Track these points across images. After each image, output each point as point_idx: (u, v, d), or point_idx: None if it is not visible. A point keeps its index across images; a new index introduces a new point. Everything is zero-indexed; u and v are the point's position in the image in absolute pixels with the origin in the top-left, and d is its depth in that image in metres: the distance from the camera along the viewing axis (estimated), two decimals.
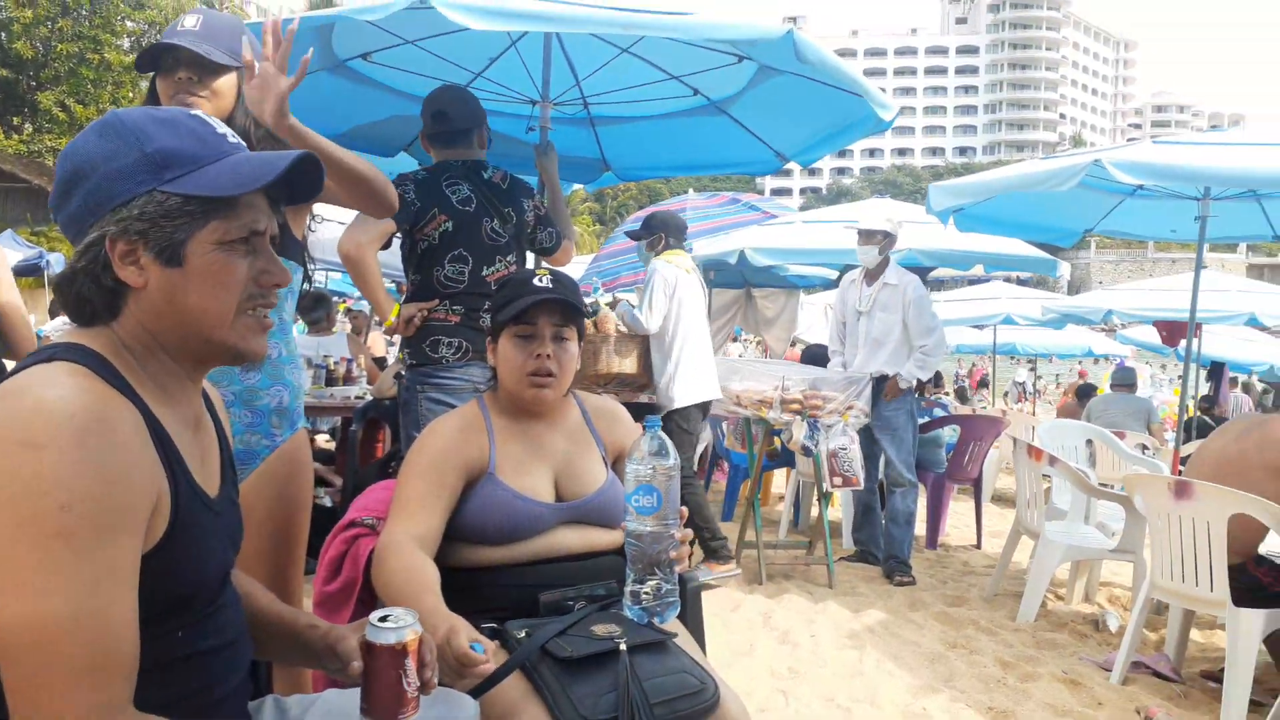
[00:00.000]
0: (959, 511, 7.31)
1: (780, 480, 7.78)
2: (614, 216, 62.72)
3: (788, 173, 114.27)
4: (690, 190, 9.75)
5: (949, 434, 6.54)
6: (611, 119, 4.54)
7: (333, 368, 5.70)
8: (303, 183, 1.28)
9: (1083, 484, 4.57)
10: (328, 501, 5.08)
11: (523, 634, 1.81)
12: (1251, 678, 3.30)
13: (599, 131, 4.63)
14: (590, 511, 2.03)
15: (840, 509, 6.19)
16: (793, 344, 10.55)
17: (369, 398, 5.04)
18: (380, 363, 7.21)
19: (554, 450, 2.07)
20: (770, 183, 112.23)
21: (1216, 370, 12.06)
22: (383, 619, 1.33)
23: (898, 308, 5.19)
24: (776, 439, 5.56)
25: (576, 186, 5.45)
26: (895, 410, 5.23)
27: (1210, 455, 3.73)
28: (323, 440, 7.33)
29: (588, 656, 1.73)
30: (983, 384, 23.98)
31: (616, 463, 2.14)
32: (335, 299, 10.38)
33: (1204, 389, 12.27)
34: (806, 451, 4.96)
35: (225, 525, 1.31)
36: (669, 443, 1.85)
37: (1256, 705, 3.36)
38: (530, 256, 3.52)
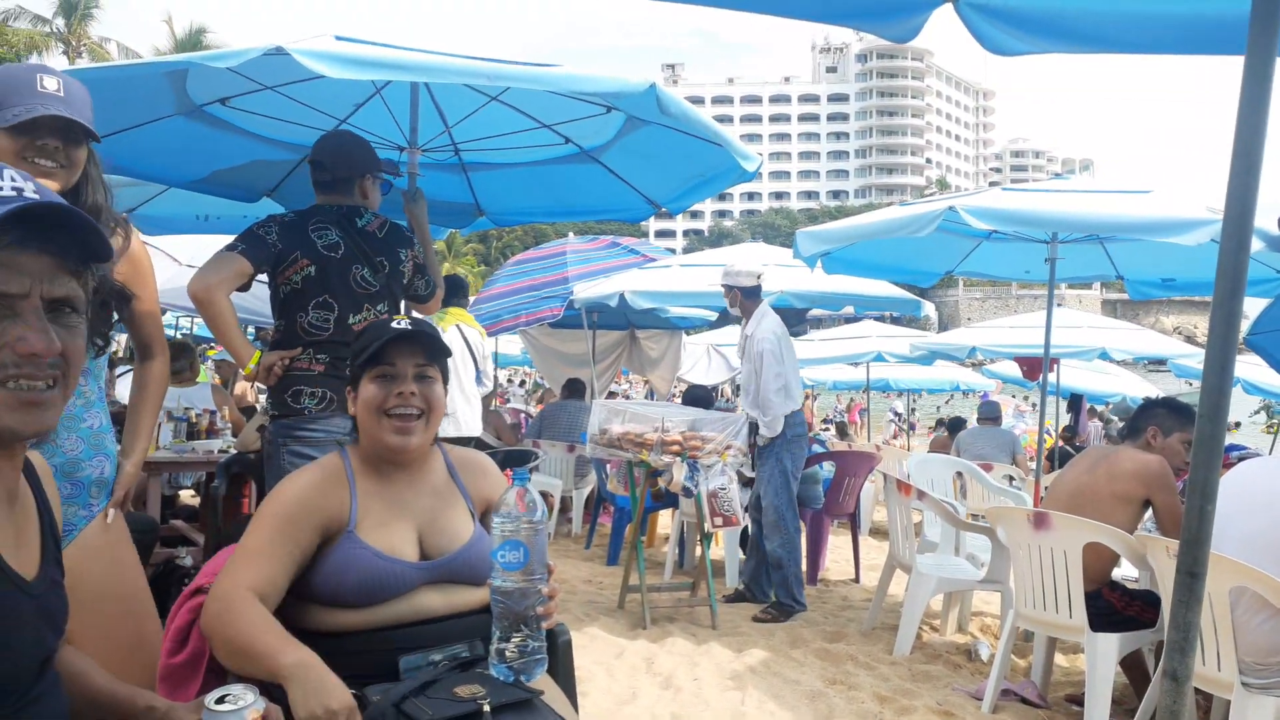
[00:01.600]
0: (838, 545, 7.46)
1: (667, 521, 7.80)
2: (498, 257, 62.53)
3: (670, 215, 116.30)
4: (571, 234, 9.81)
5: (826, 470, 6.69)
6: (484, 165, 4.53)
7: (194, 420, 5.45)
8: (88, 242, 1.16)
9: (950, 517, 4.73)
10: (188, 561, 4.83)
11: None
12: (1109, 699, 3.45)
13: (471, 177, 4.61)
14: (457, 569, 1.96)
15: (724, 548, 6.23)
16: (676, 384, 10.67)
17: (233, 451, 4.83)
18: (249, 413, 6.94)
19: (418, 505, 1.99)
20: (654, 224, 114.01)
21: (1075, 402, 12.72)
22: (220, 699, 1.26)
23: (753, 357, 5.30)
24: (659, 480, 5.57)
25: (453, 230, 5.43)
26: (764, 458, 5.31)
27: (1065, 486, 3.92)
28: (187, 495, 7.00)
29: (449, 719, 1.67)
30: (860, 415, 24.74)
31: (484, 516, 2.09)
32: (201, 346, 9.97)
33: (1065, 420, 12.93)
34: (687, 492, 4.99)
35: (43, 608, 1.22)
36: (537, 495, 1.83)
37: None
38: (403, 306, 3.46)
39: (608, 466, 6.88)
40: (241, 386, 8.05)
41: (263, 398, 7.76)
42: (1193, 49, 2.38)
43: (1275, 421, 14.09)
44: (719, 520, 4.87)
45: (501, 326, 8.19)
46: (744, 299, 5.43)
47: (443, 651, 1.89)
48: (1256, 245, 4.22)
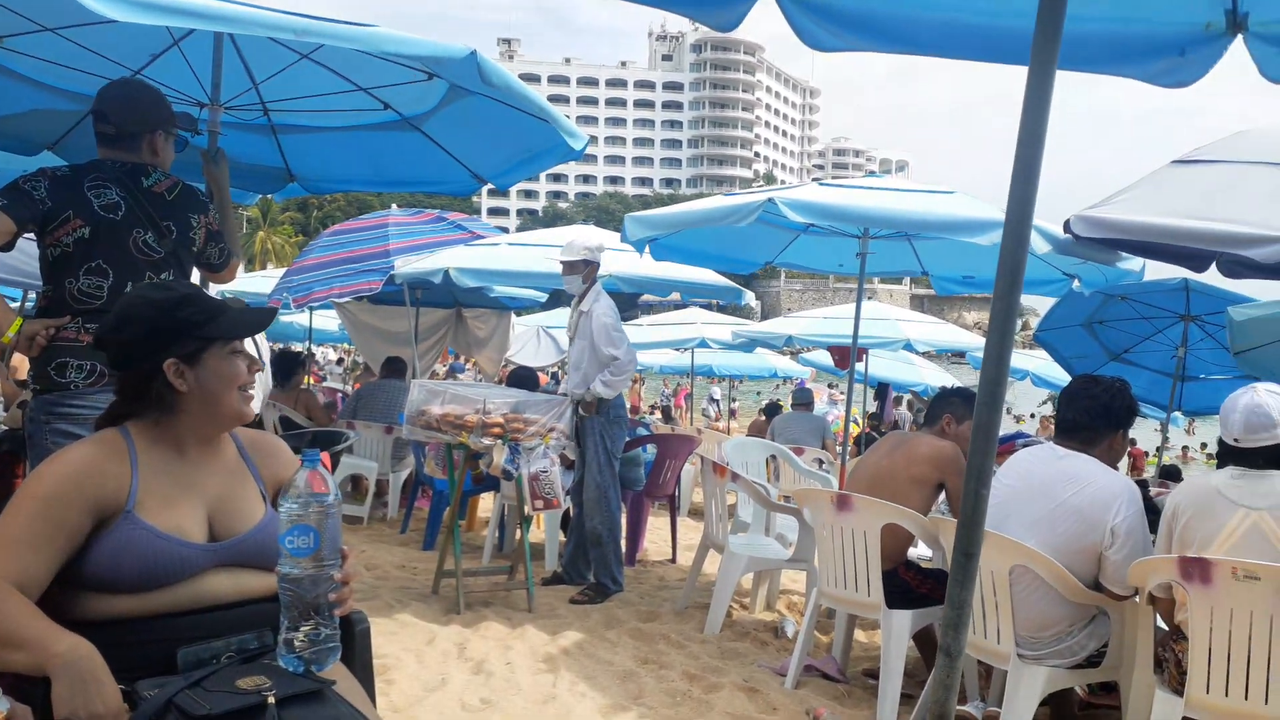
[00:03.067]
0: (657, 526, 7.58)
1: (487, 505, 7.69)
2: (318, 227, 59.83)
3: (504, 193, 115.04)
4: (394, 205, 9.47)
5: (648, 453, 6.78)
6: (295, 127, 4.28)
7: None
8: None
9: (760, 498, 4.88)
10: None
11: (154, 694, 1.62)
12: (902, 673, 3.65)
13: (281, 139, 4.34)
14: (246, 551, 1.85)
15: (544, 531, 6.20)
16: (504, 365, 10.53)
17: (3, 428, 4.39)
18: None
19: (209, 485, 1.87)
20: (487, 202, 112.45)
21: (882, 390, 13.45)
22: None
23: (588, 333, 5.29)
24: (479, 463, 5.48)
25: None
26: (586, 438, 5.31)
27: (866, 470, 4.11)
28: None
29: (229, 713, 1.57)
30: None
31: (276, 499, 1.98)
32: None
33: (872, 408, 13.65)
34: (508, 475, 4.92)
35: None
36: (329, 478, 1.74)
37: (907, 698, 3.71)
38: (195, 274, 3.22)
39: (426, 448, 6.71)
40: (18, 357, 7.35)
41: None
42: (989, 57, 2.52)
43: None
44: (540, 503, 4.83)
45: (314, 298, 7.80)
46: (589, 270, 5.40)
47: (226, 641, 1.78)
48: (1044, 247, 4.55)
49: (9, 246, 2.73)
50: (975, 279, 6.97)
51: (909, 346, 10.67)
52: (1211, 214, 3.47)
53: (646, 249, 6.02)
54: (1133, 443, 5.88)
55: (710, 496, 5.10)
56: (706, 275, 7.74)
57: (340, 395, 11.44)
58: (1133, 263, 5.03)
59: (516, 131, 3.95)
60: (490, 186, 4.69)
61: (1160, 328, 7.02)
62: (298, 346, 13.13)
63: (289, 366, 8.11)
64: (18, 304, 6.73)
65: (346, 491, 7.81)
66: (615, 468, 5.39)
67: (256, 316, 1.99)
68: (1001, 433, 6.46)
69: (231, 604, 1.82)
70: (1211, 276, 3.72)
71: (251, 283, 11.25)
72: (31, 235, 2.83)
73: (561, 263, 5.43)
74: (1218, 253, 3.41)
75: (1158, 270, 4.91)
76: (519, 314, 11.14)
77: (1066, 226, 3.97)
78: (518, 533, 5.31)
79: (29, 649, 1.55)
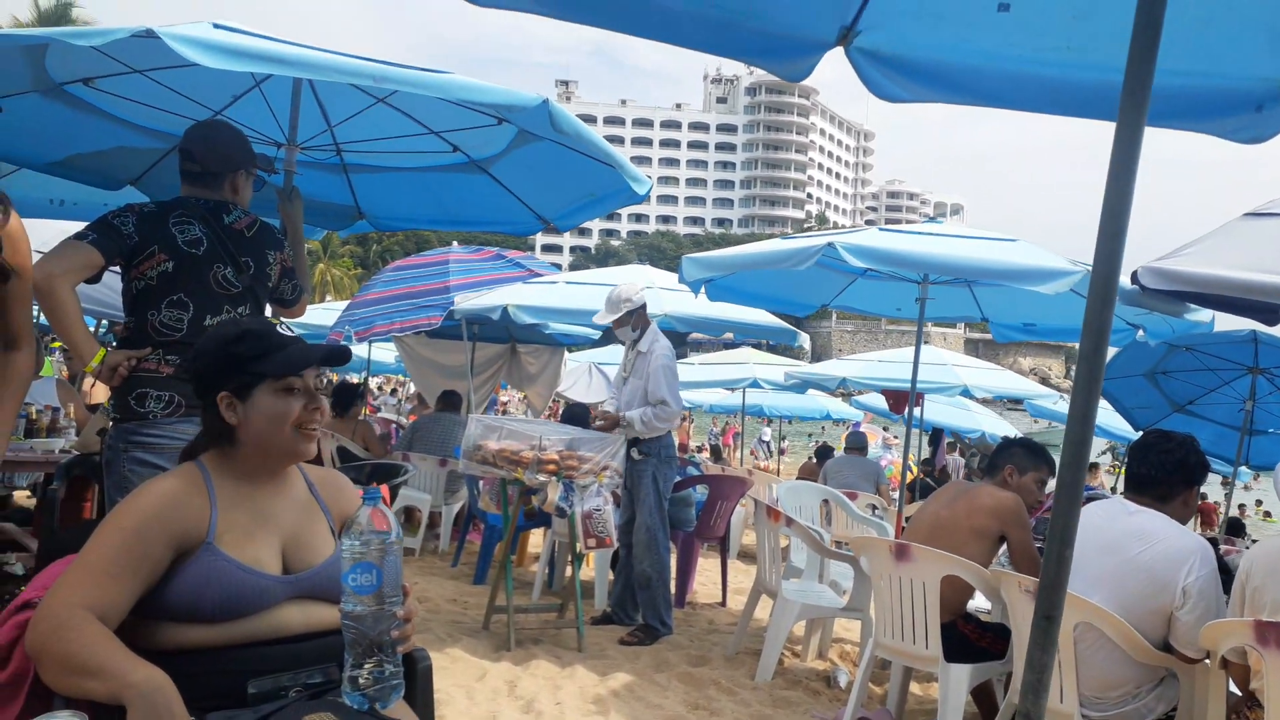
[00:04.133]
0: (707, 568, 7.53)
1: (537, 540, 7.70)
2: (377, 261, 60.94)
3: (558, 231, 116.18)
4: (455, 243, 9.64)
5: (699, 493, 6.75)
6: (366, 167, 4.40)
7: (34, 417, 5.08)
8: None
9: (815, 544, 4.83)
10: (19, 568, 4.49)
11: None
12: None
13: (353, 179, 4.46)
14: (321, 584, 1.88)
15: (594, 569, 6.19)
16: (554, 400, 10.60)
17: (76, 452, 4.52)
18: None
19: (283, 518, 1.91)
20: (541, 239, 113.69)
21: (935, 436, 13.27)
22: None
23: (644, 374, 5.30)
24: (533, 499, 5.50)
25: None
26: (638, 478, 5.30)
27: (925, 519, 4.05)
28: (22, 496, 6.53)
29: None
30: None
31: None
32: (47, 338, 9.34)
33: (926, 453, 13.47)
34: (560, 513, 4.93)
35: None
36: (390, 515, 1.76)
37: None
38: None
39: (480, 483, 6.75)
40: (91, 383, 7.57)
41: None
42: (1060, 110, 2.52)
43: (1121, 462, 15.04)
44: (592, 541, 4.83)
45: (375, 332, 7.96)
46: (639, 319, 5.43)
47: (295, 675, 1.80)
48: None
49: (96, 279, 2.83)
50: (1036, 327, 6.88)
51: (966, 392, 10.52)
52: None
53: (703, 289, 6.05)
54: (1203, 497, 5.71)
55: (763, 540, 5.06)
56: (761, 316, 7.75)
57: (395, 426, 11.58)
58: (1201, 314, 4.92)
59: (581, 175, 4.01)
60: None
61: (1227, 379, 6.85)
62: (355, 378, 13.34)
63: (347, 397, 8.25)
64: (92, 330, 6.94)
65: (400, 523, 7.88)
66: (665, 509, 5.37)
67: (315, 353, 1.94)
68: None
69: (302, 636, 1.84)
70: None
71: (312, 315, 11.47)
72: (115, 268, 2.93)
73: (610, 323, 5.47)
74: None
75: (1225, 322, 4.81)
76: (571, 349, 11.21)
77: (1134, 278, 3.90)
78: (568, 570, 5.30)
79: (106, 677, 1.58)
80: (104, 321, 8.26)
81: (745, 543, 9.34)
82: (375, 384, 25.67)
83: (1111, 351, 6.87)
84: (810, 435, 33.33)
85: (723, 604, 6.54)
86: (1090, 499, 4.80)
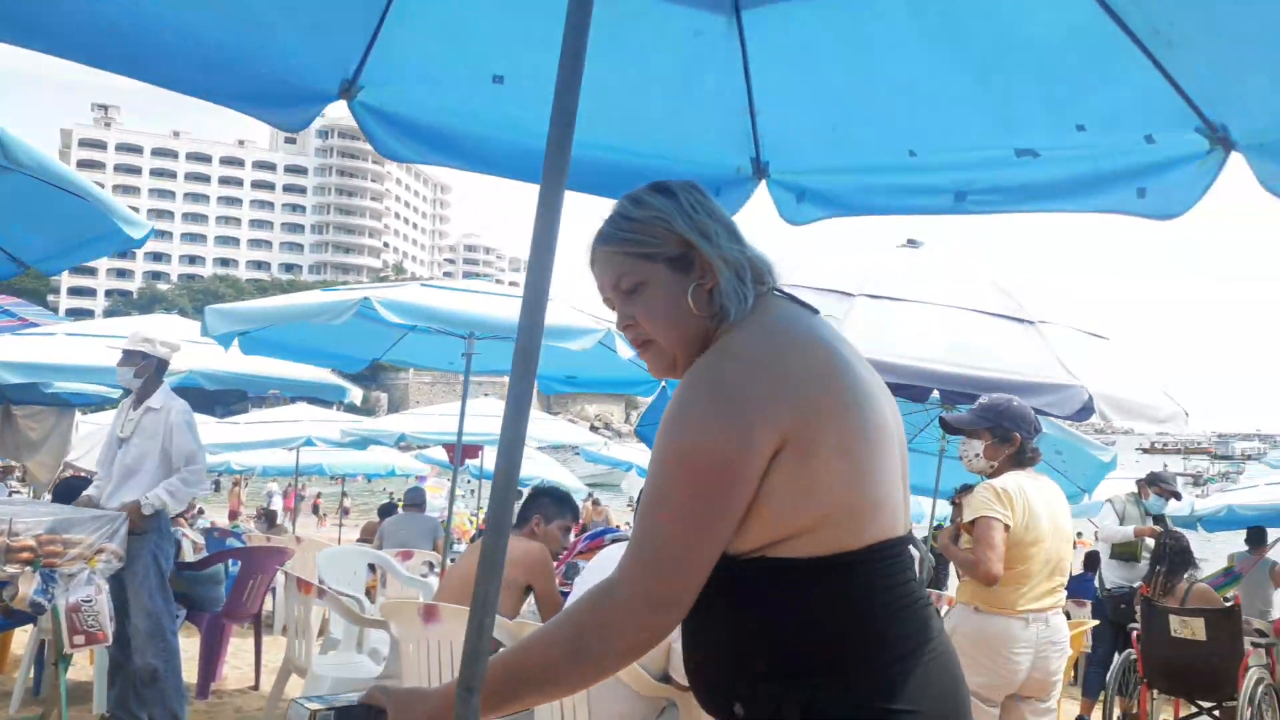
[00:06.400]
0: (243, 649, 6.87)
1: (22, 639, 6.51)
2: None
3: (92, 271, 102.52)
4: None
5: (233, 568, 6.16)
6: None
7: None
8: None
9: (348, 613, 4.60)
10: None
11: None
12: None
13: None
14: None
15: (95, 667, 5.34)
16: (62, 470, 9.15)
17: None
18: None
19: None
20: (69, 280, 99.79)
21: None
22: None
23: (158, 434, 4.72)
24: (2, 593, 4.60)
25: None
26: (138, 550, 4.66)
27: (456, 577, 4.02)
28: None
29: None
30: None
31: None
32: None
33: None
34: (38, 609, 4.17)
35: None
36: None
37: None
38: None
39: None
40: None
41: None
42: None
43: None
44: (81, 639, 4.14)
45: None
46: (155, 373, 4.82)
47: None
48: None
49: None
50: (578, 379, 7.30)
51: None
52: None
53: (235, 343, 5.59)
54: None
55: (290, 614, 4.71)
56: (308, 371, 7.37)
57: None
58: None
59: (64, 215, 3.52)
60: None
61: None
62: None
63: None
64: None
65: None
66: (168, 589, 4.78)
67: None
68: (595, 529, 6.76)
69: None
70: None
71: None
72: None
73: (121, 350, 4.84)
74: None
75: None
76: (85, 410, 9.82)
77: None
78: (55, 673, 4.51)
79: None
80: None
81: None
82: None
83: (648, 400, 7.48)
84: (389, 493, 32.55)
85: (255, 688, 5.98)
86: (615, 540, 5.11)
